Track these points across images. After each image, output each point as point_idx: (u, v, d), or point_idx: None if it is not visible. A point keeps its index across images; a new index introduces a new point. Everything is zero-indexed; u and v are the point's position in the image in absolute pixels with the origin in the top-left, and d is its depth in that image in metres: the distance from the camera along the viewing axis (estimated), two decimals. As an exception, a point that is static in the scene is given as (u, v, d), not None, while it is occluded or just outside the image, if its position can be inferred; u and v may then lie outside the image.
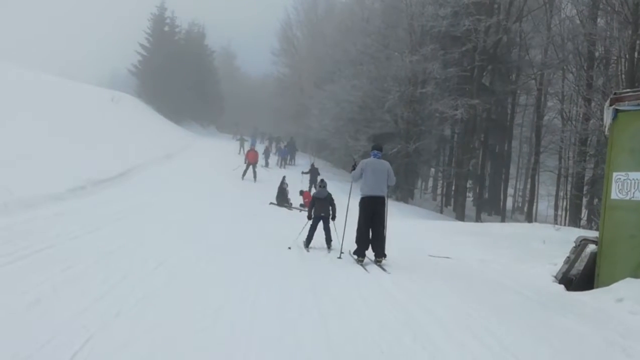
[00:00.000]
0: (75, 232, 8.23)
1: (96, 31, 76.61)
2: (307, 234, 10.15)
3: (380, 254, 8.29)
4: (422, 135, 27.58)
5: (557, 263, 7.97)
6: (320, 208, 10.30)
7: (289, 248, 9.51)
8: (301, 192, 18.70)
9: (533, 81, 27.89)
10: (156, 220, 10.96)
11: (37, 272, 5.74)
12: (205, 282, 6.21)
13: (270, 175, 23.74)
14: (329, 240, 10.01)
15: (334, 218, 10.17)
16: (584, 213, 22.71)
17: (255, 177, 22.93)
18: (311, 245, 9.97)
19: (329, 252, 9.58)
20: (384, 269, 7.85)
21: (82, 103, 26.92)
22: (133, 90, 49.99)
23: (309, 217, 10.33)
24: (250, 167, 23.13)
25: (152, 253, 7.47)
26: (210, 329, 4.61)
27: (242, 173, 22.99)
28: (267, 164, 31.23)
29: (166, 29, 56.38)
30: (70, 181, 12.11)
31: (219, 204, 15.56)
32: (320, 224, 10.15)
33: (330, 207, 10.27)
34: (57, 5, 76.78)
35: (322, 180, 11.64)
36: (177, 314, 4.96)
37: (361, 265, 8.17)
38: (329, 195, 10.50)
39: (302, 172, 23.22)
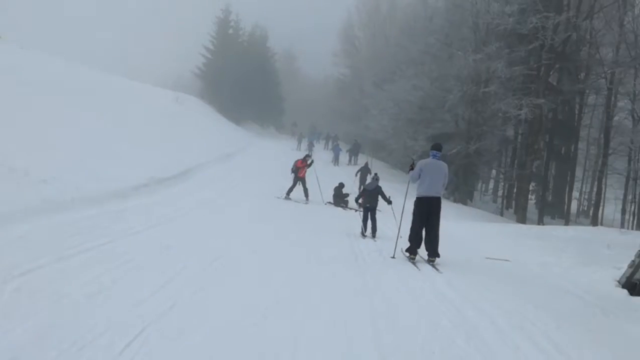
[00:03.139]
0: (137, 227, 8.49)
1: (162, 34, 78.82)
2: (361, 224, 11.47)
3: (433, 253, 8.33)
4: (483, 135, 26.93)
5: (621, 267, 7.62)
6: (369, 199, 11.61)
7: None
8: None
9: (603, 80, 26.65)
10: (215, 217, 11.23)
11: (99, 265, 5.97)
12: (258, 279, 6.30)
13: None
14: (374, 229, 11.22)
15: (389, 202, 11.52)
16: (653, 218, 21.62)
17: (306, 195, 17.12)
18: (366, 233, 11.28)
19: (374, 241, 10.53)
20: (436, 269, 7.87)
21: (147, 103, 27.74)
22: (197, 92, 51.15)
23: (359, 204, 12.07)
24: (299, 183, 17.36)
25: (209, 248, 7.65)
26: (262, 324, 4.69)
27: (286, 190, 17.04)
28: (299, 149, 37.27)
29: (230, 31, 57.33)
30: (134, 179, 12.47)
31: (277, 202, 15.74)
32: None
33: (380, 197, 11.62)
34: (124, 8, 79.59)
35: (375, 174, 12.39)
36: (231, 308, 5.07)
37: (412, 263, 8.23)
38: (378, 187, 11.75)
39: (356, 173, 23.13)
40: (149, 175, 13.50)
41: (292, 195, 16.92)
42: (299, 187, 17.22)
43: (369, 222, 11.39)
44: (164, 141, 20.30)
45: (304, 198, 16.99)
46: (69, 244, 6.61)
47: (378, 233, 11.27)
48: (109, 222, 8.58)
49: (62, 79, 20.69)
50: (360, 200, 12.48)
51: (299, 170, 17.21)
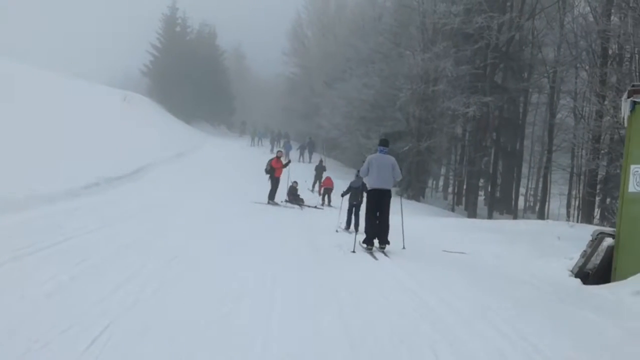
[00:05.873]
0: (91, 226, 8.35)
1: (108, 31, 76.98)
2: (346, 219, 12.01)
3: (383, 241, 8.80)
4: (433, 133, 27.46)
5: (573, 257, 7.91)
6: (354, 196, 12.12)
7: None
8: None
9: (545, 79, 27.66)
10: (170, 216, 11.07)
11: (55, 263, 5.82)
12: (222, 274, 6.23)
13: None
14: (357, 225, 11.39)
15: None
16: (597, 212, 22.49)
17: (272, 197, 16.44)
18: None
19: (356, 235, 10.12)
20: (387, 255, 8.38)
21: (95, 103, 27.10)
22: (144, 90, 50.15)
23: (342, 195, 12.56)
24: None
25: (167, 246, 7.54)
26: (229, 316, 4.66)
27: (268, 195, 16.32)
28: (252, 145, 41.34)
29: (177, 29, 56.59)
30: (85, 178, 12.34)
31: (232, 200, 15.62)
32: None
33: (364, 194, 11.80)
34: (68, 5, 77.22)
35: (358, 171, 12.71)
36: (196, 303, 5.01)
37: (370, 253, 8.55)
38: (363, 185, 11.84)
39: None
40: (100, 174, 13.43)
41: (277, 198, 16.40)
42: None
43: (352, 218, 11.91)
44: (113, 141, 19.89)
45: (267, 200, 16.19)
46: (24, 243, 6.44)
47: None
48: (63, 221, 8.43)
49: (5, 80, 20.03)
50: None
51: (275, 171, 16.50)
